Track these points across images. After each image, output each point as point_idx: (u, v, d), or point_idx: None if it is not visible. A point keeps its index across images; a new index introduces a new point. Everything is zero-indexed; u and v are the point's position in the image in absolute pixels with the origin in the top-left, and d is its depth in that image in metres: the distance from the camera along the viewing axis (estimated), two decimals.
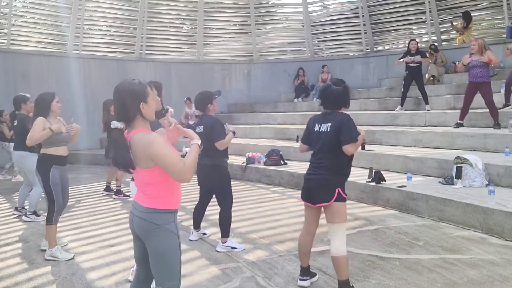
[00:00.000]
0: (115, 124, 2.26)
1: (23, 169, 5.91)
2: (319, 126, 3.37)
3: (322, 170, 3.30)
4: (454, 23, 11.41)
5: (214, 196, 4.60)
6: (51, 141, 4.25)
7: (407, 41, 10.61)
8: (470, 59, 7.41)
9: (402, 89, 9.62)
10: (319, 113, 3.49)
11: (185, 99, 12.27)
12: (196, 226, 4.78)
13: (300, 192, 3.51)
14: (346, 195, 3.32)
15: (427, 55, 10.29)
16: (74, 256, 4.28)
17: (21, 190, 6.12)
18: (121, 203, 6.72)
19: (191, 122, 11.94)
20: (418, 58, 9.15)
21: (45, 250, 4.32)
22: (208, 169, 4.35)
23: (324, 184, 3.28)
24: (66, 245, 4.59)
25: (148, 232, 2.28)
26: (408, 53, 9.34)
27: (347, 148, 3.22)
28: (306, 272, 3.55)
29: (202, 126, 4.39)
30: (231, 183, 4.56)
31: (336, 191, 3.25)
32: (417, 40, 9.87)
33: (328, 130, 3.30)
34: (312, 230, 3.51)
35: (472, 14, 10.94)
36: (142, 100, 2.28)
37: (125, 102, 2.26)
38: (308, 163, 3.47)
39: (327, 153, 3.30)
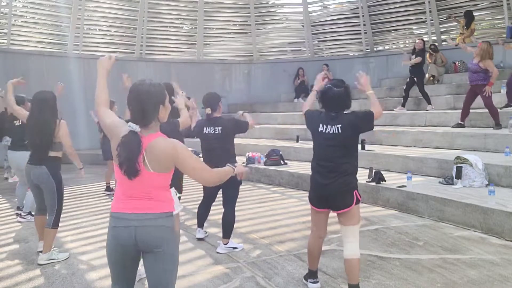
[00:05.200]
0: (133, 126, 2.13)
1: (21, 169, 5.87)
2: (325, 127, 3.19)
3: (336, 174, 3.14)
4: (454, 16, 11.29)
5: (214, 196, 4.62)
6: (60, 147, 4.32)
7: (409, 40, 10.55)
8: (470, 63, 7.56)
9: (404, 87, 9.64)
10: (321, 110, 3.32)
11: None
12: (201, 225, 4.77)
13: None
14: (360, 196, 3.25)
15: (427, 55, 10.30)
16: (69, 254, 4.29)
17: (18, 190, 6.07)
18: None
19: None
20: (413, 61, 9.17)
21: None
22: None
23: (344, 190, 3.15)
24: (54, 247, 4.57)
25: (164, 238, 2.18)
26: (413, 51, 9.39)
27: (376, 110, 3.25)
28: (315, 274, 3.52)
29: (220, 128, 4.36)
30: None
31: (354, 194, 3.17)
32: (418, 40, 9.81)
33: (339, 131, 3.13)
34: (323, 234, 3.43)
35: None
36: (161, 103, 2.23)
37: (147, 103, 2.18)
38: (306, 163, 3.43)
39: (339, 155, 3.15)
